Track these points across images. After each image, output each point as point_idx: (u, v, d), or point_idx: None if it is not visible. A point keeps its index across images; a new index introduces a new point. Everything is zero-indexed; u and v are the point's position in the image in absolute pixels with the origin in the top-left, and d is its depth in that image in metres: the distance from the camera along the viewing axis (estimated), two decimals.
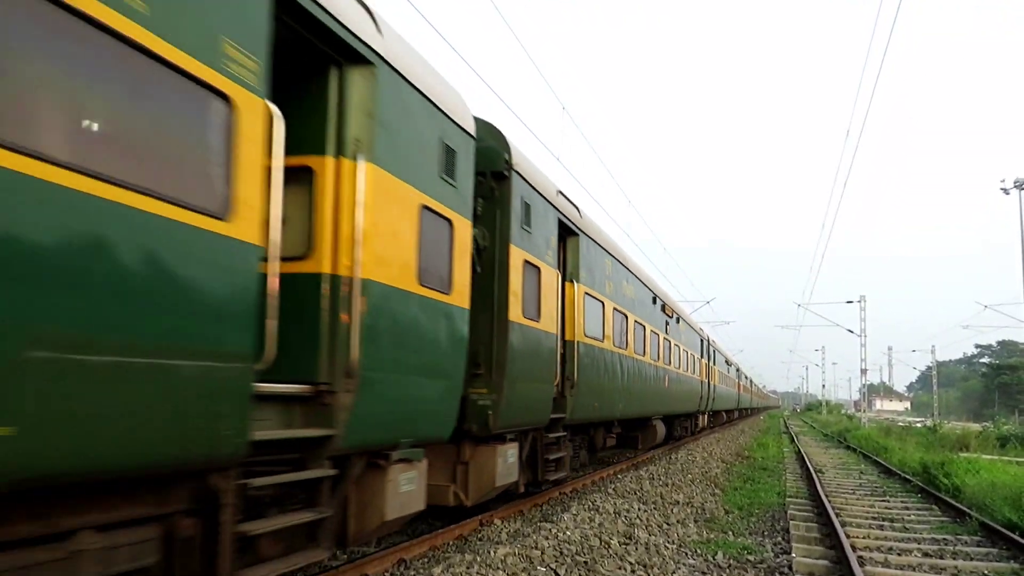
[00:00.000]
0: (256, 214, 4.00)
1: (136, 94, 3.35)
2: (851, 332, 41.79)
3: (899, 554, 8.40)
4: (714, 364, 30.95)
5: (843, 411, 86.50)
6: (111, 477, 3.34)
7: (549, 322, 9.40)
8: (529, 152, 8.14)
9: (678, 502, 11.08)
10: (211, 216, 3.68)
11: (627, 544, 7.87)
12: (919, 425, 43.51)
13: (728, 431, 35.99)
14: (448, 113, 6.45)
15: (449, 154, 6.48)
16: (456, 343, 6.66)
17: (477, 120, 7.55)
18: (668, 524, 9.22)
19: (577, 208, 11.13)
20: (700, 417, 28.01)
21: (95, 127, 3.17)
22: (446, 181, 6.43)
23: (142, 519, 3.66)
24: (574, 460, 12.52)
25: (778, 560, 7.71)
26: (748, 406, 59.44)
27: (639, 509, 10.14)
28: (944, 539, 9.37)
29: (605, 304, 12.35)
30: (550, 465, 10.23)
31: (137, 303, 3.29)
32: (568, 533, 8.03)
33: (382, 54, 5.37)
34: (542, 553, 7.11)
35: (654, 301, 17.04)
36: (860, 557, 7.90)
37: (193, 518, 3.94)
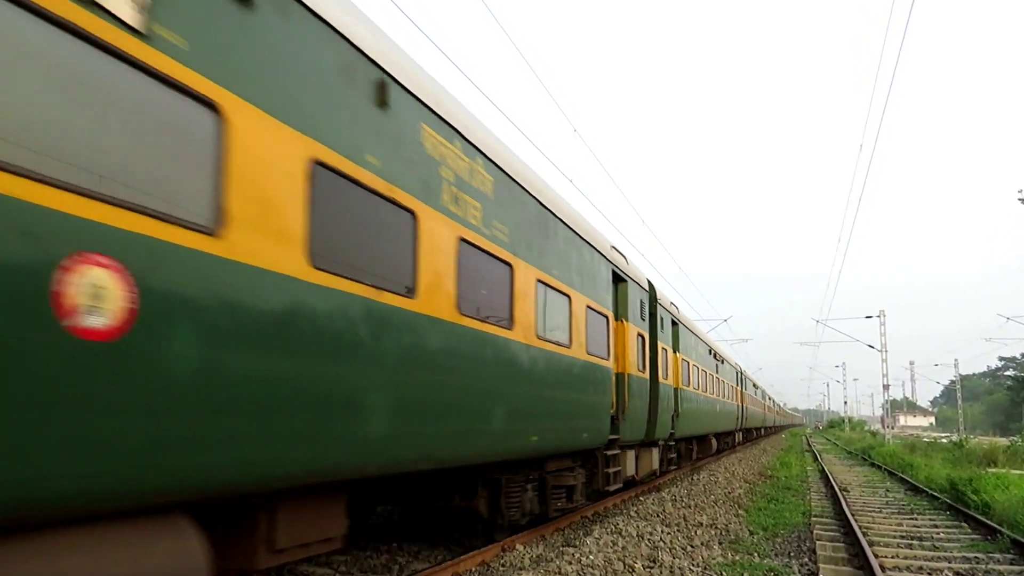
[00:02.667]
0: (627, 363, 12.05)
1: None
2: (871, 347, 41.37)
3: (929, 573, 8.24)
4: (746, 390, 37.50)
5: (866, 428, 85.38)
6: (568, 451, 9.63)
7: (669, 379, 16.14)
8: (542, 172, 8.78)
9: (702, 524, 10.95)
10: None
11: (651, 568, 7.77)
12: (944, 440, 42.85)
13: (750, 450, 35.60)
14: (643, 285, 13.91)
15: (640, 304, 13.59)
16: (666, 398, 15.43)
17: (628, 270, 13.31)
18: (692, 546, 9.11)
19: (676, 307, 18.21)
20: (737, 434, 34.93)
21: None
22: (640, 318, 13.54)
23: (572, 469, 10.25)
24: (676, 459, 19.07)
25: None
26: (773, 424, 69.01)
27: (662, 531, 10.02)
28: (976, 557, 9.18)
29: (690, 363, 19.34)
30: (672, 463, 18.16)
31: (591, 392, 10.01)
32: (591, 557, 7.95)
33: (629, 275, 12.60)
34: None
35: (710, 352, 23.99)
36: None
37: (588, 466, 10.86)
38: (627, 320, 12.34)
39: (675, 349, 16.83)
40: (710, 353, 23.62)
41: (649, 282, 14.58)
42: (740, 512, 12.55)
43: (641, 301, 13.47)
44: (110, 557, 3.35)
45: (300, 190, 4.38)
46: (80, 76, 3.17)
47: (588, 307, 9.97)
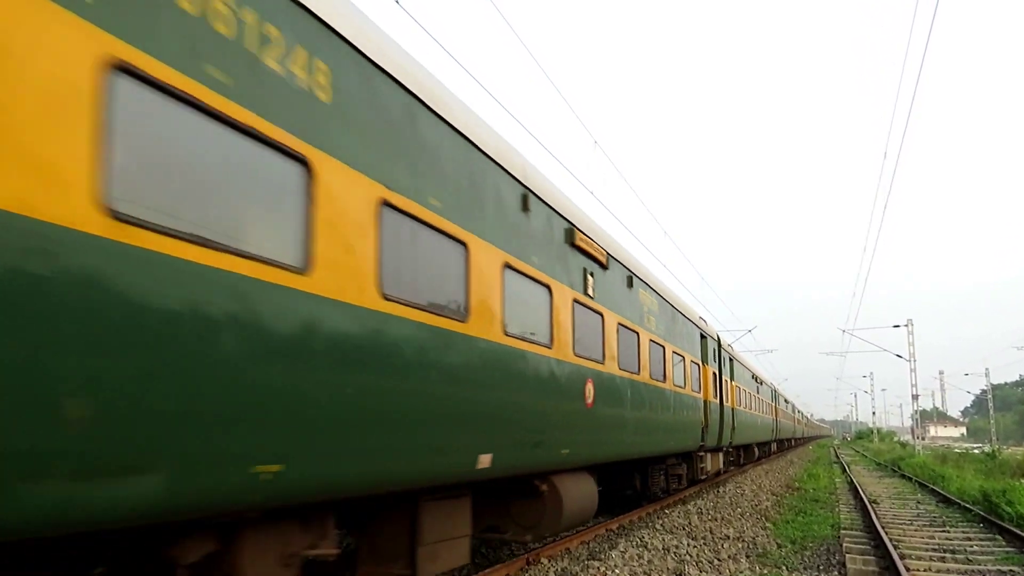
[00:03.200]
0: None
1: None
2: (899, 357, 40.76)
3: None
4: (779, 405, 41.91)
5: (895, 439, 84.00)
6: (678, 452, 14.72)
7: (728, 401, 20.72)
8: (562, 186, 9.09)
9: (728, 537, 10.82)
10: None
11: None
12: (976, 451, 42.03)
13: (776, 462, 35.18)
14: (714, 337, 19.27)
15: (713, 351, 18.58)
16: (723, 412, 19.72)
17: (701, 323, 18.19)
18: (719, 560, 9.00)
19: (732, 346, 24.47)
20: (772, 444, 40.37)
21: None
22: (713, 360, 18.36)
23: (678, 462, 15.66)
24: (731, 462, 24.44)
25: None
26: (802, 435, 73.14)
27: (688, 545, 9.92)
28: (1011, 571, 8.98)
29: (740, 388, 23.71)
30: (730, 465, 23.89)
31: (691, 414, 15.19)
32: (617, 571, 7.88)
33: (708, 334, 18.20)
34: None
35: (753, 377, 28.33)
36: None
37: (688, 462, 16.38)
38: (707, 364, 17.55)
39: (731, 378, 21.78)
40: (753, 377, 28.60)
41: (717, 335, 20.28)
42: (767, 525, 12.40)
43: (714, 349, 18.94)
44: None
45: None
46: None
47: (692, 361, 15.55)
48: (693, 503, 15.18)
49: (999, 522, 12.72)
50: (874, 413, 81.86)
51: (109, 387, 2.96)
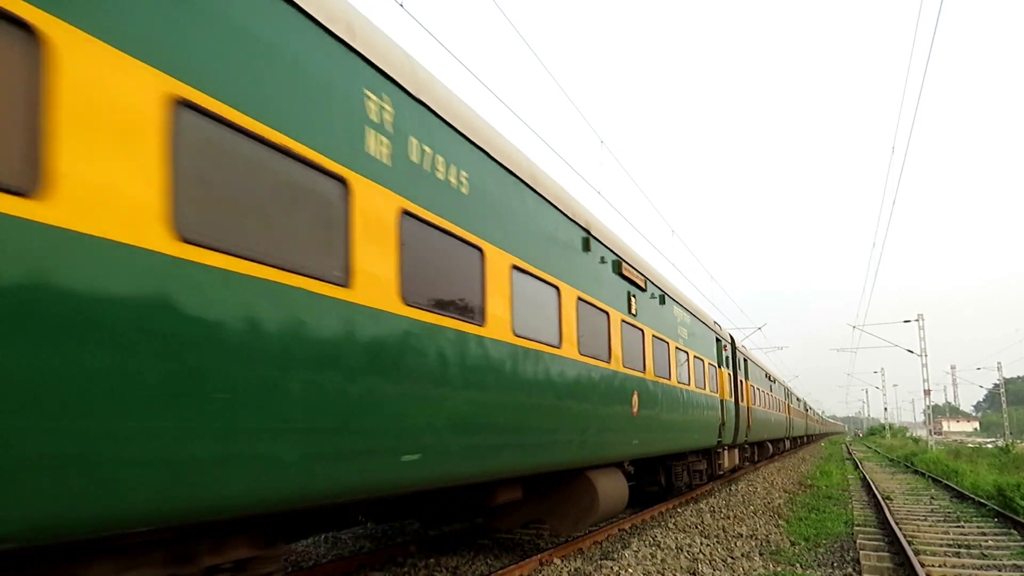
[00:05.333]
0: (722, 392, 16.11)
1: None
2: (910, 352, 40.56)
3: None
4: (792, 404, 43.50)
5: (908, 434, 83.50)
6: (698, 449, 15.64)
7: (744, 401, 21.84)
8: (567, 186, 9.32)
9: (741, 535, 10.80)
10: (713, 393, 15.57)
11: None
12: (990, 446, 41.75)
13: (788, 460, 35.04)
14: (727, 340, 20.03)
15: (728, 354, 19.72)
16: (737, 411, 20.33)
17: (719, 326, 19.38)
18: (732, 558, 8.99)
19: (745, 347, 25.29)
20: (785, 441, 41.43)
21: None
22: (727, 362, 19.52)
23: (698, 459, 16.54)
24: (747, 458, 25.52)
25: None
26: (815, 432, 74.11)
27: (701, 543, 9.91)
28: None
29: (755, 388, 25.01)
30: (746, 460, 24.75)
31: (710, 413, 16.24)
32: (630, 571, 7.88)
33: (723, 337, 19.12)
34: None
35: (766, 376, 29.77)
36: None
37: (708, 459, 17.40)
38: (723, 366, 18.68)
39: (745, 378, 22.83)
40: (766, 376, 29.67)
41: (731, 336, 21.26)
42: (780, 522, 12.36)
43: (729, 351, 20.17)
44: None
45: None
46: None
47: (709, 364, 16.74)
48: (705, 501, 15.14)
49: (1014, 517, 12.64)
50: (886, 409, 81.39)
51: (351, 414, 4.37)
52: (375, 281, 4.64)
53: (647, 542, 9.84)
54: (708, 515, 12.87)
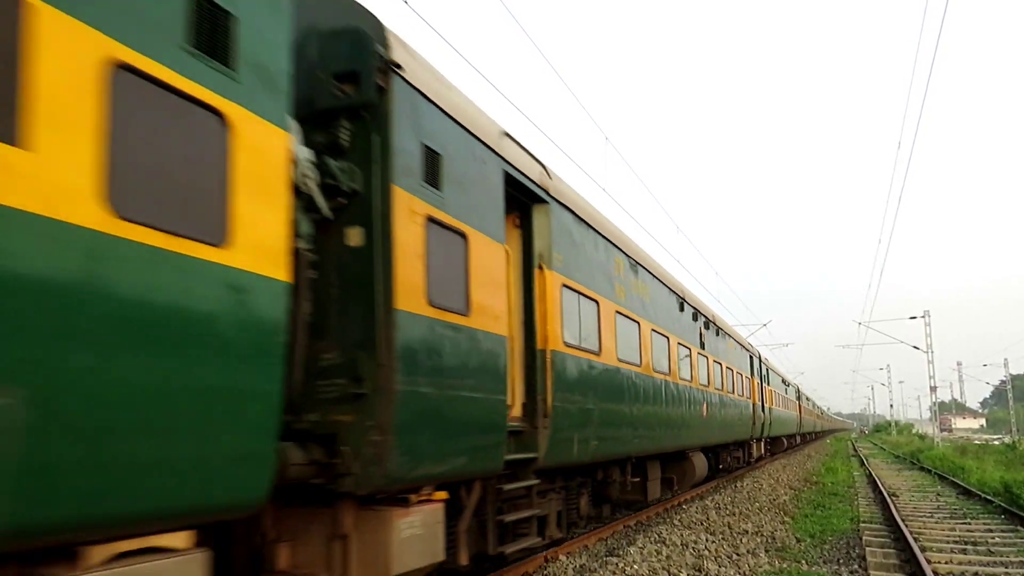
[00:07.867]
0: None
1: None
2: (916, 348, 40.45)
3: None
4: (803, 403, 46.37)
5: (914, 431, 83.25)
6: (737, 440, 21.04)
7: (766, 403, 26.31)
8: (573, 182, 9.28)
9: (747, 531, 10.79)
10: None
11: None
12: (996, 442, 41.65)
13: (794, 456, 35.02)
14: (756, 354, 25.39)
15: (757, 366, 24.76)
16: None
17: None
18: (738, 554, 8.98)
19: (768, 359, 30.33)
20: (796, 436, 44.02)
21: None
22: (756, 372, 24.36)
23: (737, 448, 21.71)
24: (767, 451, 30.33)
25: None
26: (822, 429, 77.99)
27: (707, 540, 9.90)
28: None
29: (773, 391, 28.83)
30: (767, 452, 30.53)
31: (746, 413, 21.11)
32: (635, 567, 7.89)
33: (754, 355, 24.74)
34: None
35: (782, 381, 33.97)
36: None
37: (743, 449, 22.94)
38: (753, 376, 22.94)
39: (768, 384, 27.07)
40: (782, 381, 33.91)
41: (759, 352, 26.16)
42: (786, 519, 12.34)
43: (757, 363, 24.67)
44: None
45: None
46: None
47: (746, 377, 21.27)
48: (711, 498, 15.14)
49: (1021, 513, 12.60)
50: (892, 406, 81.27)
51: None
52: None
53: (652, 538, 9.84)
54: (713, 512, 12.86)
